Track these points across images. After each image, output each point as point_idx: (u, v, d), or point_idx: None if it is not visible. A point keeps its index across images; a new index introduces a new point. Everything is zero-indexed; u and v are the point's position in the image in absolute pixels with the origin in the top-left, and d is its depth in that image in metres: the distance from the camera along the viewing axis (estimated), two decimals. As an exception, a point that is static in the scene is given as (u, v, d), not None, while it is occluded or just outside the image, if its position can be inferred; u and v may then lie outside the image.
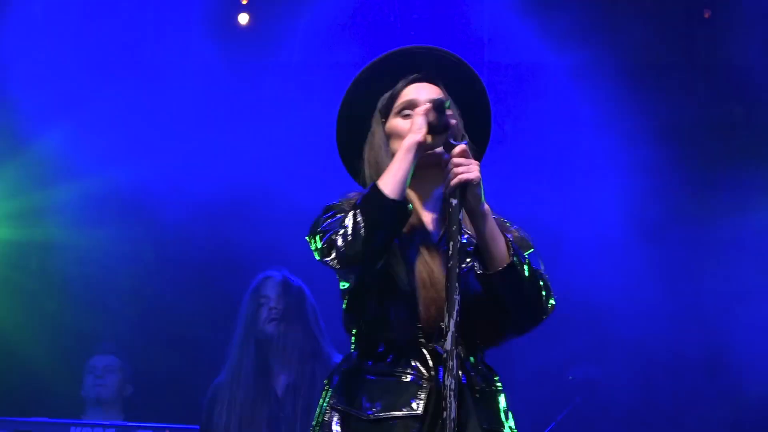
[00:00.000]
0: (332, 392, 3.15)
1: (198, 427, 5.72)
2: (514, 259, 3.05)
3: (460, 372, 2.97)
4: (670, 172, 7.00)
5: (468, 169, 2.99)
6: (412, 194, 3.17)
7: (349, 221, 2.96)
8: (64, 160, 7.10)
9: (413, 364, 3.07)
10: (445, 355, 2.95)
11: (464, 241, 3.12)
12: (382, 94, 3.23)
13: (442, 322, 2.98)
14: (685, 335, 6.80)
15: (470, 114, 3.28)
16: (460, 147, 3.02)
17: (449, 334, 2.94)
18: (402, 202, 2.98)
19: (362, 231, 2.94)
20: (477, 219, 3.05)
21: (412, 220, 3.10)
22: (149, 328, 7.17)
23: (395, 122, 3.19)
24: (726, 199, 6.92)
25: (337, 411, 3.10)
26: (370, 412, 3.04)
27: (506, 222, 3.26)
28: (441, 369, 3.00)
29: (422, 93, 3.17)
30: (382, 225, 2.97)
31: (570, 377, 6.79)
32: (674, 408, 6.90)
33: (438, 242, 3.16)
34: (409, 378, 3.06)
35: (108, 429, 6.07)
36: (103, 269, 7.17)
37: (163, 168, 6.97)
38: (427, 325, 3.08)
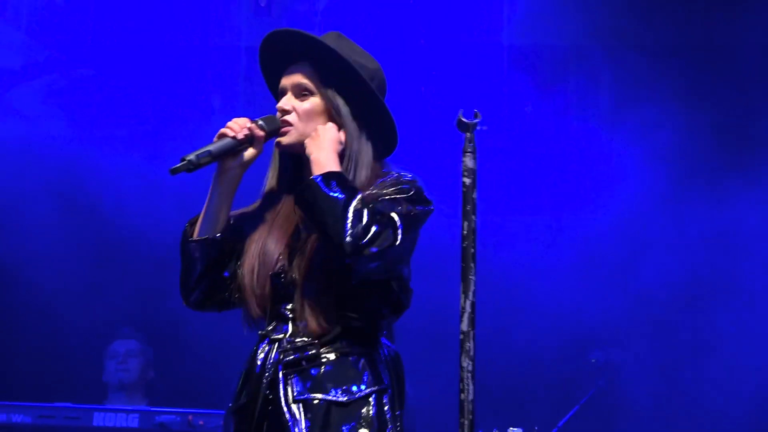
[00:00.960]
0: None
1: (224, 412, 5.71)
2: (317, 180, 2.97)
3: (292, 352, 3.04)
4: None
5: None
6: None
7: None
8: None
9: (253, 349, 3.14)
10: (462, 336, 2.90)
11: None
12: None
13: (270, 305, 3.10)
14: (711, 314, 6.74)
15: (354, 92, 3.17)
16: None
17: (465, 315, 2.90)
18: (203, 240, 3.14)
19: (182, 273, 3.21)
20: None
21: (285, 209, 3.17)
22: (172, 310, 7.14)
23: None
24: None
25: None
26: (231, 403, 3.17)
27: (399, 181, 3.12)
28: (262, 356, 3.09)
29: (288, 80, 3.17)
30: (190, 265, 3.17)
31: (592, 360, 6.74)
32: (699, 392, 6.84)
33: (296, 227, 3.15)
34: (247, 365, 3.14)
35: (131, 414, 6.07)
36: (125, 250, 7.15)
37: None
38: (254, 310, 3.15)
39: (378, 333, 3.11)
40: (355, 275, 2.97)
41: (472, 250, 2.94)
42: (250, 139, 3.10)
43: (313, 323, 3.03)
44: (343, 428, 2.96)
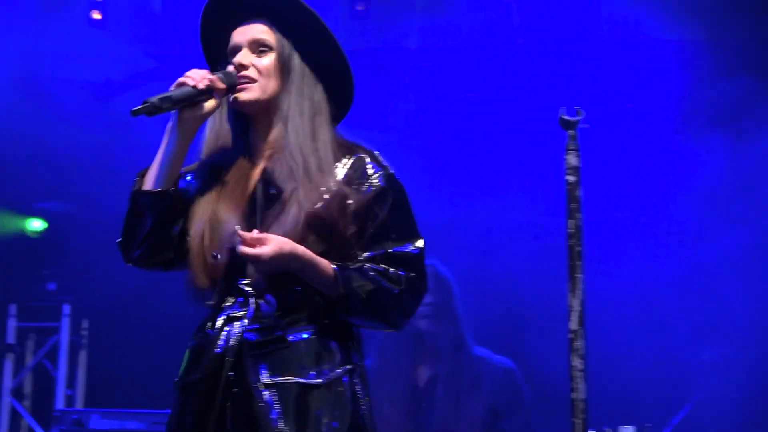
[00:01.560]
0: None
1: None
2: (343, 292, 2.88)
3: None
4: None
5: (257, 255, 2.81)
6: (246, 151, 3.06)
7: (124, 215, 3.01)
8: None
9: (206, 326, 2.96)
10: (571, 335, 2.86)
11: (269, 190, 2.96)
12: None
13: (224, 278, 2.92)
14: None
15: (313, 50, 3.05)
16: (246, 238, 2.82)
17: (574, 314, 2.86)
18: (157, 193, 2.95)
19: (126, 226, 2.99)
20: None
21: (238, 175, 3.00)
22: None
23: (230, 68, 3.05)
24: None
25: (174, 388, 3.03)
26: (178, 380, 3.00)
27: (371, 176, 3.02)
28: (226, 329, 2.89)
29: (243, 35, 3.04)
30: (139, 219, 2.97)
31: (704, 357, 6.64)
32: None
33: (252, 194, 2.99)
34: (201, 340, 2.95)
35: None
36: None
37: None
38: (202, 281, 2.96)
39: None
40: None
41: (579, 249, 2.91)
42: (209, 91, 2.94)
43: (279, 300, 2.88)
44: (318, 412, 2.83)
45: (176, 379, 2.98)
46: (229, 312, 2.90)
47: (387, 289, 2.91)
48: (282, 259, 2.81)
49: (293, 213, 2.88)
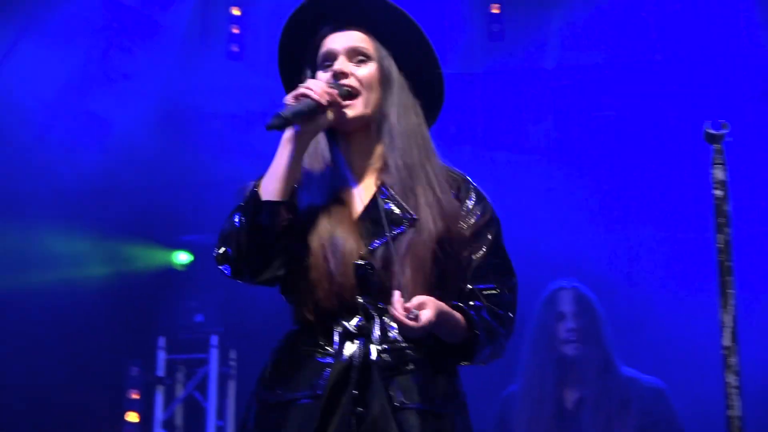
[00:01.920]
0: (259, 378, 2.87)
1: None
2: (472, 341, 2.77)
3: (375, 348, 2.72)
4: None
5: (413, 331, 2.64)
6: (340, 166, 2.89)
7: (232, 226, 2.77)
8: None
9: (320, 342, 2.77)
10: (725, 352, 2.75)
11: (387, 208, 2.80)
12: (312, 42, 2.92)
13: (350, 297, 2.73)
14: None
15: (410, 60, 2.90)
16: (394, 309, 2.64)
17: (727, 330, 2.77)
18: (274, 203, 2.73)
19: (243, 237, 2.74)
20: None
21: (340, 193, 2.84)
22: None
23: (319, 75, 2.87)
24: None
25: (255, 400, 2.84)
26: (273, 397, 2.78)
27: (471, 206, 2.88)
28: (347, 346, 2.72)
29: (341, 41, 2.85)
30: (258, 228, 2.74)
31: None
32: None
33: (362, 214, 2.82)
34: (313, 357, 2.77)
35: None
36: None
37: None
38: (328, 301, 2.75)
39: None
40: None
41: (729, 264, 2.85)
42: (326, 106, 2.75)
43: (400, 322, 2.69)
44: None
45: (263, 394, 2.81)
46: (346, 328, 2.75)
47: (500, 334, 2.84)
48: (437, 323, 2.66)
49: (426, 237, 2.76)
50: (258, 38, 7.26)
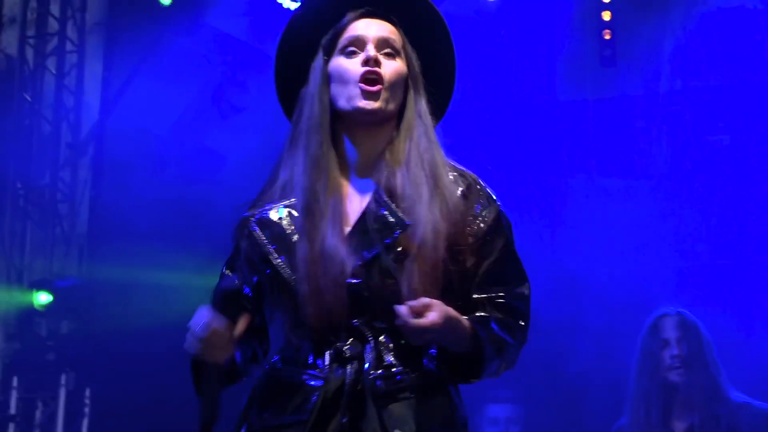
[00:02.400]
0: (247, 400, 2.65)
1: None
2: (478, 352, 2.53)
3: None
4: None
5: (417, 334, 2.44)
6: (339, 167, 2.64)
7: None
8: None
9: (309, 364, 2.55)
10: None
11: (382, 213, 2.56)
12: (327, 29, 2.69)
13: (341, 317, 2.50)
14: None
15: (431, 57, 2.72)
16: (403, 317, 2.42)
17: None
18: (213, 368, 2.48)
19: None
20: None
21: (336, 198, 2.59)
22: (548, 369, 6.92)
23: (339, 61, 2.64)
24: None
25: (243, 423, 2.62)
26: (259, 422, 2.57)
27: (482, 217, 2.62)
28: (338, 370, 2.50)
29: (371, 29, 2.64)
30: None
31: None
32: None
33: (355, 224, 2.58)
34: (302, 380, 2.55)
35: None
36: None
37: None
38: (317, 321, 2.52)
39: None
40: None
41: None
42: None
43: (396, 345, 2.52)
44: None
45: (250, 417, 2.60)
46: (339, 350, 2.54)
47: (510, 345, 2.59)
48: (445, 327, 2.44)
49: (427, 243, 2.53)
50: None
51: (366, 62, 2.59)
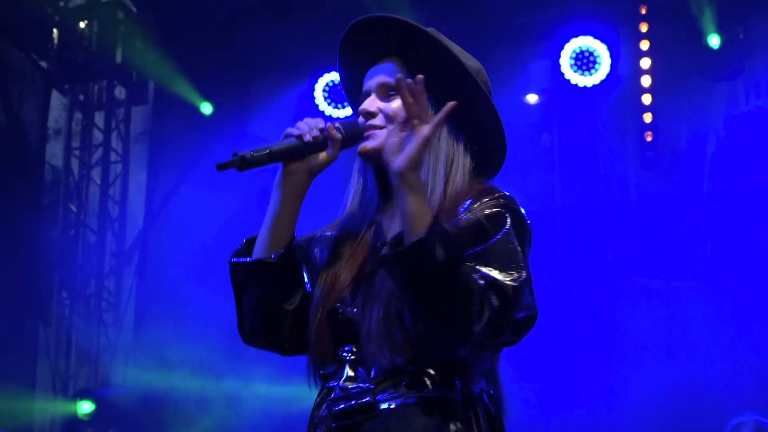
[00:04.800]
0: None
1: None
2: (423, 238, 2.27)
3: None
4: None
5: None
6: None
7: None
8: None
9: (321, 393, 2.50)
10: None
11: (380, 243, 2.51)
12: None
13: (338, 349, 2.43)
14: None
15: (445, 80, 2.60)
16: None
17: None
18: (254, 263, 2.49)
19: (236, 303, 2.54)
20: (395, 193, 2.37)
21: (368, 232, 2.54)
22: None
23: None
24: None
25: None
26: None
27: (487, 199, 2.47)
28: (325, 404, 2.42)
29: (371, 78, 2.63)
30: (240, 293, 2.53)
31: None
32: None
33: (379, 248, 2.50)
34: (313, 416, 2.49)
35: None
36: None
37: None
38: (318, 353, 2.47)
39: (464, 372, 2.43)
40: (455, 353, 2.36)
41: None
42: (321, 143, 2.50)
43: (377, 366, 2.39)
44: None
45: None
46: (331, 382, 2.46)
47: (470, 290, 2.29)
48: (423, 147, 2.32)
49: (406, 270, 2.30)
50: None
51: (363, 115, 2.61)
